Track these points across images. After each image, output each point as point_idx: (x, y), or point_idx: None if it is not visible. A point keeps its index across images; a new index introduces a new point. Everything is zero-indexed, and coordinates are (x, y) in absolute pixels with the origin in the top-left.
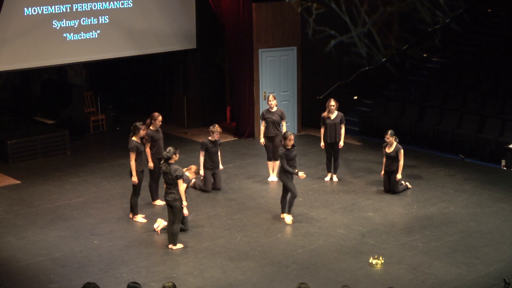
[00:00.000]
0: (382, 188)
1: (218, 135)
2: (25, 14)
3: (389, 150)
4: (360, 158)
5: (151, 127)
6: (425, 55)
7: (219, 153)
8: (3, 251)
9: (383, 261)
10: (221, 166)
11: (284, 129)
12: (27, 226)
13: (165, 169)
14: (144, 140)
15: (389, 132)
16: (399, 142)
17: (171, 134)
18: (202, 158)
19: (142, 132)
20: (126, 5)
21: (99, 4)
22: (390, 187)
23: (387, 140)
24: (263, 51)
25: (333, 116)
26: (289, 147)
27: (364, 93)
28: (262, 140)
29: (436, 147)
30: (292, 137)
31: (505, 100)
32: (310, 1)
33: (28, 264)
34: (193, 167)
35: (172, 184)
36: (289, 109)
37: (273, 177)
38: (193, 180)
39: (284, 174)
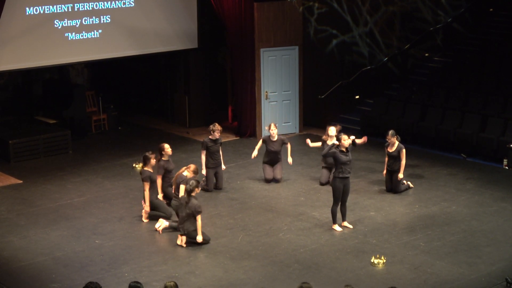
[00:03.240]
0: (384, 188)
1: (219, 134)
2: (27, 13)
3: (391, 149)
4: (362, 157)
5: (163, 158)
6: (427, 54)
7: (220, 152)
8: (5, 251)
9: (385, 261)
10: (223, 166)
11: (289, 151)
12: (29, 226)
13: (185, 201)
14: (157, 172)
15: (390, 132)
16: (401, 142)
17: (173, 133)
18: (203, 157)
19: (153, 161)
20: (128, 4)
21: (101, 4)
22: (392, 186)
23: (389, 141)
24: (264, 50)
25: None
26: (343, 149)
27: (366, 93)
28: (255, 153)
29: (438, 147)
30: (346, 137)
31: (507, 99)
32: (311, 0)
33: (30, 264)
34: (192, 166)
35: (190, 216)
36: (290, 109)
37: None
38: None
39: (335, 180)
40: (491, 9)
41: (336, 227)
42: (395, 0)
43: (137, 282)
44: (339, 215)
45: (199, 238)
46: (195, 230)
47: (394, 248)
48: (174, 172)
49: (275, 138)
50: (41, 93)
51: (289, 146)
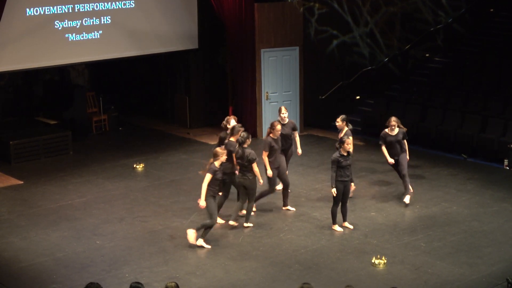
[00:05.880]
0: (385, 188)
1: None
2: (27, 14)
3: (341, 135)
4: (363, 158)
5: (271, 135)
6: (427, 55)
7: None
8: (6, 252)
9: (385, 261)
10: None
11: (298, 141)
12: (29, 227)
13: (240, 153)
14: (264, 148)
15: (340, 116)
16: (351, 129)
17: (174, 134)
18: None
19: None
20: (128, 5)
21: (101, 5)
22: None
23: (337, 125)
24: (265, 51)
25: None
26: (344, 153)
27: (367, 93)
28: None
29: (439, 147)
30: (349, 141)
31: (507, 100)
32: (312, 1)
33: (31, 265)
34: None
35: (246, 167)
36: (291, 109)
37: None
38: None
39: (336, 182)
40: (492, 10)
41: (336, 227)
42: (395, 1)
43: (138, 283)
44: (339, 215)
45: (261, 181)
46: (252, 180)
47: (394, 248)
48: (278, 153)
49: (286, 121)
50: (42, 94)
51: (297, 135)
